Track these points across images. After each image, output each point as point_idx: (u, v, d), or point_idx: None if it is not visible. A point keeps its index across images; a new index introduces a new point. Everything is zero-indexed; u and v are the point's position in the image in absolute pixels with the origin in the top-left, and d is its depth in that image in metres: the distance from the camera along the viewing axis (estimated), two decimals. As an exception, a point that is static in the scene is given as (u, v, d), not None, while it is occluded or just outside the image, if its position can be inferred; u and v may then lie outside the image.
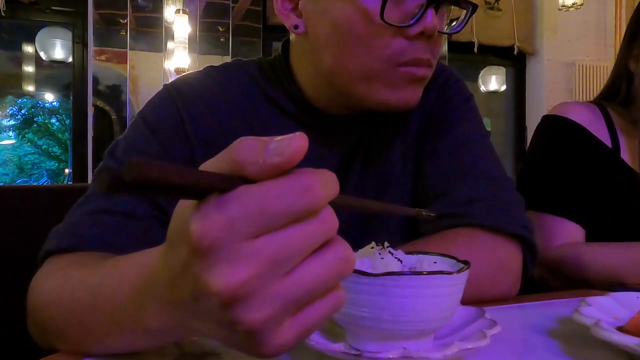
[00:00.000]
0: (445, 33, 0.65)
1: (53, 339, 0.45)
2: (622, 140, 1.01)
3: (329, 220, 0.28)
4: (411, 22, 0.60)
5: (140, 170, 0.23)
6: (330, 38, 0.63)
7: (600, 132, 1.01)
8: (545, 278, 0.96)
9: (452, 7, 0.65)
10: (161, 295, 0.32)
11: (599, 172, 0.98)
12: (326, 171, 0.28)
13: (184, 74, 0.75)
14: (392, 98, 0.64)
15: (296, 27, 0.66)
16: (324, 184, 0.27)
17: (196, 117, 0.67)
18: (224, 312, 0.27)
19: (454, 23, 0.68)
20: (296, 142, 0.26)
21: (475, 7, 0.66)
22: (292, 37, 0.71)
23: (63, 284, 0.46)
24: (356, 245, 0.38)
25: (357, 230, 0.69)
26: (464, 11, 0.66)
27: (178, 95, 0.69)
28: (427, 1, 0.60)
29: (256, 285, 0.26)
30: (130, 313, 0.35)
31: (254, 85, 0.72)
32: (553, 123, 1.04)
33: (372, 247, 0.44)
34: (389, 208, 0.42)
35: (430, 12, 0.60)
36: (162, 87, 0.72)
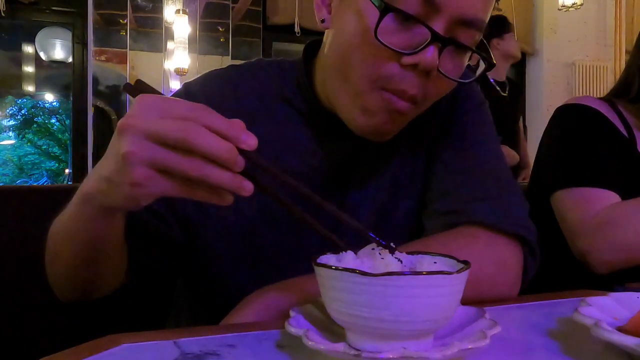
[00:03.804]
0: (448, 77, 0.61)
1: (53, 279, 0.64)
2: (637, 135, 1.02)
3: (189, 132, 0.42)
4: (410, 51, 0.58)
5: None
6: (336, 41, 0.64)
7: (616, 124, 1.02)
8: (589, 253, 0.92)
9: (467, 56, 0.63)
10: (98, 171, 0.48)
11: (616, 158, 0.98)
12: (216, 114, 0.44)
13: (207, 72, 0.78)
14: (362, 121, 0.63)
15: (322, 21, 0.67)
16: (207, 114, 0.44)
17: None
18: (116, 142, 0.44)
19: (474, 66, 0.66)
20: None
21: (491, 65, 0.63)
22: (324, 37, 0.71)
23: (52, 229, 0.61)
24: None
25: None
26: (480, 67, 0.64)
27: (187, 98, 0.70)
28: (432, 37, 0.57)
29: (140, 129, 0.43)
30: (77, 195, 0.52)
31: (271, 85, 0.73)
32: (572, 109, 1.05)
33: (373, 248, 0.44)
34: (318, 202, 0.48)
35: (432, 48, 0.57)
36: (162, 87, 0.74)
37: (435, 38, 0.57)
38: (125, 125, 0.43)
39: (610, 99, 1.08)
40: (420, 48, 0.57)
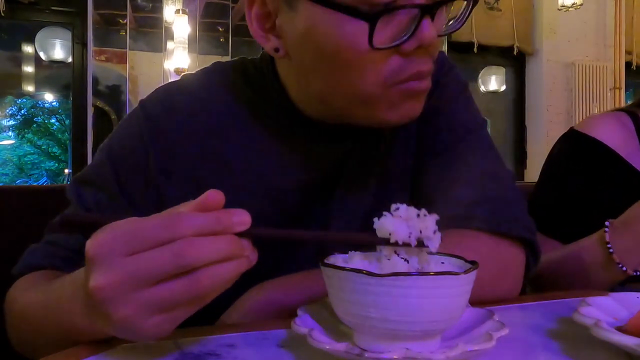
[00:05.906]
0: (444, 35, 0.59)
1: (22, 345, 0.58)
2: None
3: (186, 254, 0.36)
4: (405, 37, 0.54)
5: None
6: (317, 64, 0.58)
7: (631, 149, 0.95)
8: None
9: (452, 4, 0.59)
10: (82, 301, 0.41)
11: (625, 197, 0.90)
12: (194, 214, 0.38)
13: (163, 85, 0.71)
14: (393, 117, 0.60)
15: (277, 50, 0.60)
16: (187, 220, 0.37)
17: (159, 149, 0.66)
18: (100, 307, 0.37)
19: (451, 22, 0.62)
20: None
21: (475, 0, 0.60)
22: None
23: (27, 306, 0.55)
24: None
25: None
26: (463, 6, 0.61)
27: (146, 122, 0.66)
28: (421, 11, 0.53)
29: (120, 290, 0.36)
30: (67, 318, 0.45)
31: (231, 93, 0.69)
32: (579, 141, 0.98)
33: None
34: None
35: (426, 22, 0.53)
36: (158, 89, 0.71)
37: (425, 11, 0.53)
38: (101, 287, 0.36)
39: (634, 110, 1.00)
40: (414, 28, 0.54)
